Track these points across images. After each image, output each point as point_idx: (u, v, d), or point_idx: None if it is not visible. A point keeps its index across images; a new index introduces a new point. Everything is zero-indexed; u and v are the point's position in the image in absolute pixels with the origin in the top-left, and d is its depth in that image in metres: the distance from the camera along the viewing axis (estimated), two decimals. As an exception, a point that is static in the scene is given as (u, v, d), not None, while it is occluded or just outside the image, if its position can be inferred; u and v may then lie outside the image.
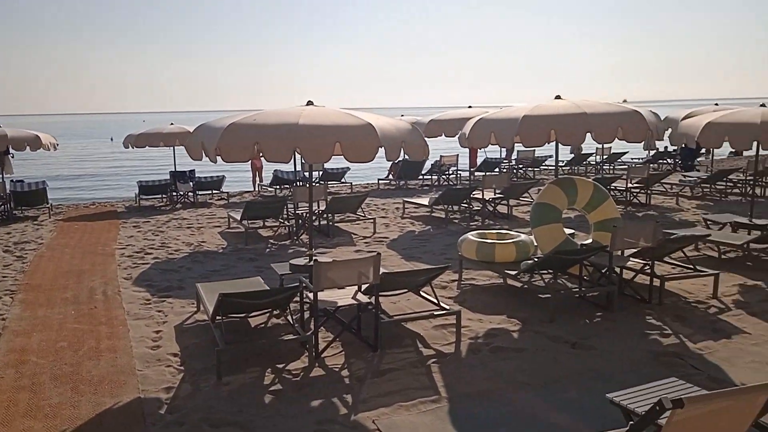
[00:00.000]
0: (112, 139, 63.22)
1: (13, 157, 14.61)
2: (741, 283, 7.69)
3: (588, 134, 7.39)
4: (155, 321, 6.85)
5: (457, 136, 9.96)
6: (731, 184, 15.97)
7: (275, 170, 18.02)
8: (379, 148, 6.35)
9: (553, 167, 22.19)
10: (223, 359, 5.46)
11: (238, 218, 11.73)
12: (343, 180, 19.51)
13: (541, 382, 5.07)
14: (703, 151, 22.37)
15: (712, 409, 2.49)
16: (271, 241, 11.12)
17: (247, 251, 10.33)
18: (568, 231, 8.09)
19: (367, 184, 21.03)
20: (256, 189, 19.43)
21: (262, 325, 6.56)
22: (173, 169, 17.11)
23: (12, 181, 14.96)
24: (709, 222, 10.16)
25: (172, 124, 16.76)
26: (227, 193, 17.52)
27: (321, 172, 18.71)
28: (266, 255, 10.00)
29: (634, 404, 3.51)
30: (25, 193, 14.67)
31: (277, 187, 18.31)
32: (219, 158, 6.33)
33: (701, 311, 6.71)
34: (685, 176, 16.54)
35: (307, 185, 17.35)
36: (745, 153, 25.09)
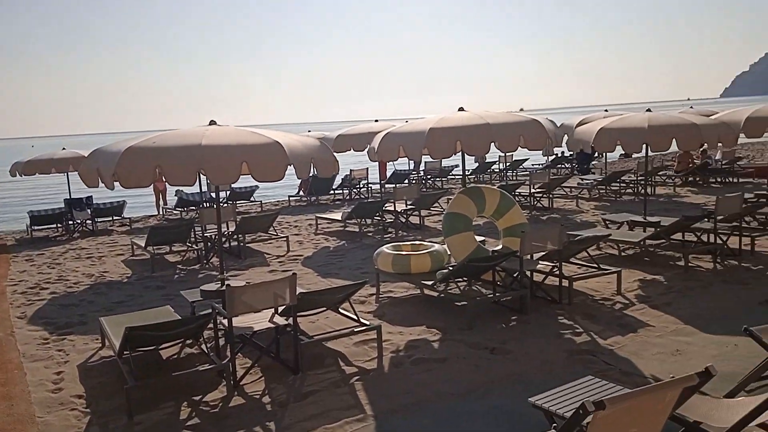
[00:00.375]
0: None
1: None
2: (641, 278, 8.15)
3: (492, 144, 7.60)
4: (55, 361, 6.36)
5: (366, 150, 10.00)
6: (624, 185, 16.98)
7: (177, 191, 17.39)
8: (288, 166, 6.23)
9: (460, 176, 22.83)
10: (134, 397, 5.13)
11: (143, 244, 11.19)
12: (252, 199, 19.10)
13: (463, 391, 5.11)
14: (597, 154, 23.73)
15: (632, 406, 2.58)
16: (180, 266, 10.68)
17: (153, 279, 9.85)
18: (479, 238, 8.28)
19: (278, 201, 20.71)
20: (161, 213, 18.65)
21: (175, 357, 6.25)
22: (68, 197, 16.12)
23: None
24: (607, 222, 10.72)
25: (64, 148, 15.83)
26: (129, 218, 16.70)
27: (228, 192, 18.25)
28: (175, 282, 9.58)
29: (555, 406, 3.59)
30: None
31: (183, 209, 17.68)
32: (117, 184, 5.98)
33: (608, 308, 7.03)
34: (582, 179, 17.43)
35: (215, 206, 16.89)
36: (634, 155, 26.84)
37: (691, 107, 24.07)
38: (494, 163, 23.18)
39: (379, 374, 5.58)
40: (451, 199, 8.41)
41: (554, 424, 3.55)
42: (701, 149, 18.88)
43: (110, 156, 6.08)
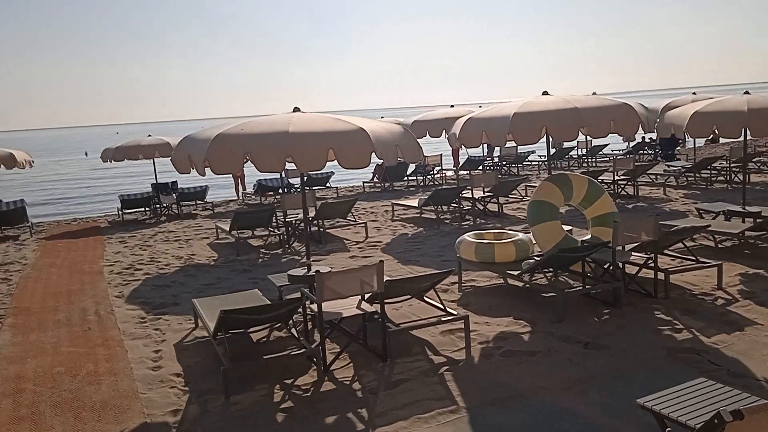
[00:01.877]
0: (86, 154, 62.16)
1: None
2: (742, 272, 7.68)
3: (579, 130, 7.33)
4: (153, 340, 6.64)
5: (446, 136, 9.86)
6: (715, 172, 16.10)
7: (259, 179, 17.81)
8: (373, 153, 6.22)
9: (536, 163, 22.29)
10: (230, 378, 5.28)
11: (227, 228, 11.52)
12: (327, 185, 19.34)
13: (560, 386, 4.97)
14: (681, 140, 22.59)
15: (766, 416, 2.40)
16: (263, 250, 10.93)
17: (239, 262, 10.13)
18: (565, 228, 8.03)
19: (352, 187, 20.87)
20: (240, 197, 19.17)
21: (264, 339, 6.39)
22: (155, 181, 16.79)
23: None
24: (701, 211, 10.18)
25: (149, 135, 16.45)
26: (212, 203, 17.24)
27: (305, 178, 18.51)
28: (259, 265, 9.81)
29: (668, 410, 3.41)
30: (3, 213, 14.27)
31: (261, 194, 18.10)
32: (208, 170, 6.15)
33: (709, 303, 6.67)
34: (669, 166, 16.64)
35: (293, 192, 17.18)
36: (722, 140, 25.40)
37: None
38: (572, 148, 22.47)
39: (469, 365, 5.51)
40: (533, 186, 8.19)
41: (668, 429, 3.38)
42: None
43: (201, 143, 6.24)
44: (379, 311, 5.84)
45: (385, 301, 6.16)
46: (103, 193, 27.40)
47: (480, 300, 7.29)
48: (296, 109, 6.94)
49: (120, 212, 15.97)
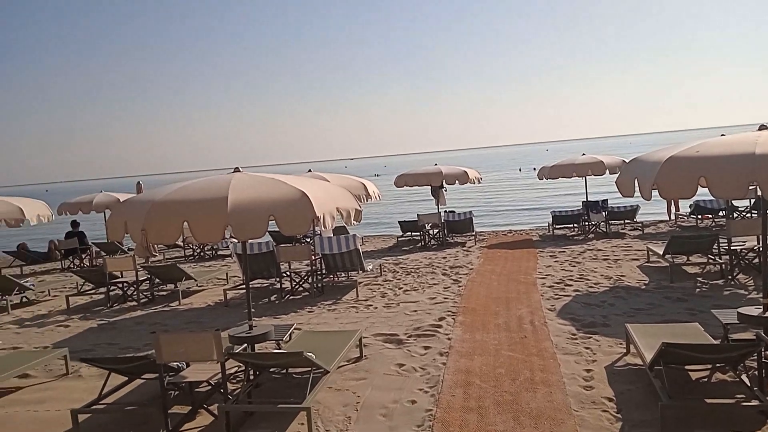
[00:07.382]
0: (520, 170, 67.60)
1: (446, 190, 16.71)
2: None
3: None
4: (584, 358, 6.75)
5: None
6: None
7: (697, 200, 16.41)
8: None
9: None
10: (668, 415, 4.98)
11: (660, 252, 10.94)
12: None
13: None
14: None
15: None
16: (700, 279, 10.01)
17: (672, 289, 9.49)
18: None
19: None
20: (672, 218, 17.95)
21: (704, 380, 5.83)
22: (585, 199, 17.08)
23: (445, 211, 17.09)
24: None
25: (584, 154, 16.77)
26: (641, 222, 16.62)
27: (753, 200, 16.24)
28: (696, 295, 9.01)
29: None
30: (456, 222, 16.59)
31: (698, 216, 16.60)
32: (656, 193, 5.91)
33: None
34: None
35: (738, 216, 15.24)
36: None
37: None
38: None
39: None
40: None
41: None
42: None
43: (650, 166, 6.01)
44: None
45: None
46: (533, 207, 29.26)
47: None
48: (762, 127, 6.16)
49: (551, 227, 16.76)
